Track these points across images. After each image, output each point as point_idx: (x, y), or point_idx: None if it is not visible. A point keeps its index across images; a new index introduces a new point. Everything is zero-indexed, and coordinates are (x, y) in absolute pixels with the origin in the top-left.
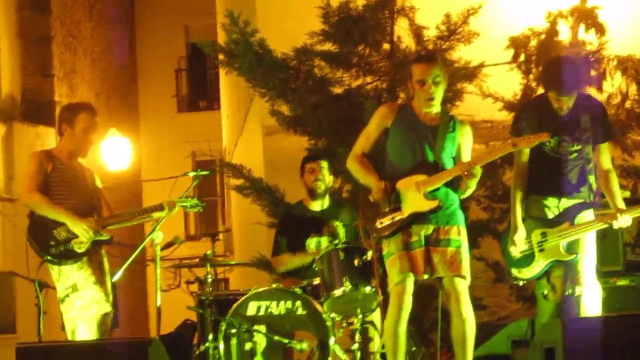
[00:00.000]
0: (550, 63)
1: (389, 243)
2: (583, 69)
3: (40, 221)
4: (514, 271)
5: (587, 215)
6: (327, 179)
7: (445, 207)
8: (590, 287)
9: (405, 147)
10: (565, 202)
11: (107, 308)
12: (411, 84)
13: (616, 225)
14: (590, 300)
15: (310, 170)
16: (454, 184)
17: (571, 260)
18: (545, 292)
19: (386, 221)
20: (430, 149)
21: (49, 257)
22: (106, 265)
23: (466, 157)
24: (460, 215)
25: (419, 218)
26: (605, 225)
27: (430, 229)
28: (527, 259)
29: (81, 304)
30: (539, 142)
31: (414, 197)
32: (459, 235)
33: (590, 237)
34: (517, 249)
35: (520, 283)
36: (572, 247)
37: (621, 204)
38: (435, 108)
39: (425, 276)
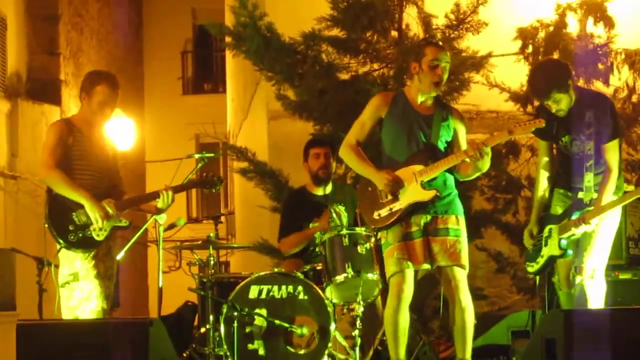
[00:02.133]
0: (530, 72)
1: (387, 234)
2: (560, 70)
3: (60, 201)
4: (527, 265)
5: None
6: (331, 164)
7: (443, 196)
8: (595, 280)
9: (399, 137)
10: (578, 196)
11: (105, 305)
12: (418, 65)
13: (577, 231)
14: (594, 293)
15: (315, 156)
16: (453, 172)
17: (564, 257)
18: (555, 281)
19: (384, 212)
20: (425, 138)
21: (64, 244)
22: (114, 252)
23: (463, 142)
24: (458, 204)
25: (417, 208)
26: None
27: (428, 218)
28: (536, 254)
29: (81, 296)
30: (536, 129)
31: (411, 187)
32: (457, 224)
33: (604, 231)
34: (529, 243)
35: (530, 276)
36: (570, 243)
37: (596, 207)
38: (432, 96)
39: (426, 266)
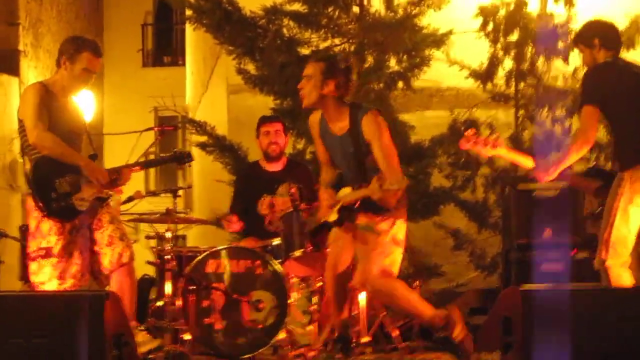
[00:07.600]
0: None
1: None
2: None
3: (43, 167)
4: None
5: None
6: (282, 141)
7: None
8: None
9: (333, 158)
10: None
11: (84, 282)
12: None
13: None
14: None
15: (265, 133)
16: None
17: None
18: None
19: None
20: (348, 158)
21: (47, 212)
22: (88, 225)
23: (377, 148)
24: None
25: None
26: None
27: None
28: None
29: (53, 273)
30: None
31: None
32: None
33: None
34: None
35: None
36: None
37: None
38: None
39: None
